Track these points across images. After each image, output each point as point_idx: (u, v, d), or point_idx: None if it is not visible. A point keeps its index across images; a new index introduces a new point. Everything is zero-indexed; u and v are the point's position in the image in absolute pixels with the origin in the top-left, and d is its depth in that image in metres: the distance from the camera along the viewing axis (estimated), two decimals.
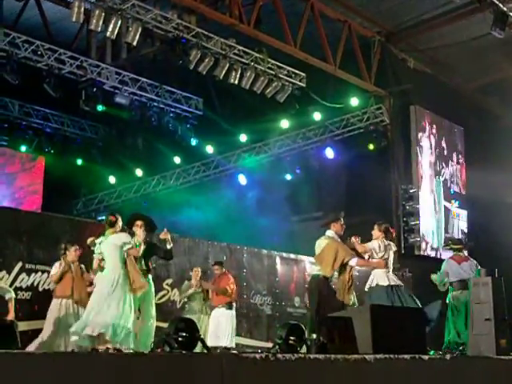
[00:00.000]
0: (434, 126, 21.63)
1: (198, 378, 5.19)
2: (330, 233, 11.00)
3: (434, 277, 12.36)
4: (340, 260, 10.57)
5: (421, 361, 6.68)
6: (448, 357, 7.36)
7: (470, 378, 7.23)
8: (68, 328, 10.44)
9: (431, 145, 21.48)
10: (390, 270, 11.05)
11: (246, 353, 5.87)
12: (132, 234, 10.56)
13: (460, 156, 22.61)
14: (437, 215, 21.18)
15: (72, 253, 11.33)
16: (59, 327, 11.03)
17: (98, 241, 10.32)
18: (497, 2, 16.57)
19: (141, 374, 4.98)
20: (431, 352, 8.72)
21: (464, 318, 11.15)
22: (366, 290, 11.06)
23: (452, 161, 22.26)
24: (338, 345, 6.53)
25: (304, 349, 7.01)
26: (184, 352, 5.92)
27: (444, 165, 21.91)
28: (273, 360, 5.52)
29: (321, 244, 10.86)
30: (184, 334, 6.37)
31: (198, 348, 6.85)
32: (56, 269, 11.35)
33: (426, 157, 21.13)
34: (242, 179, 23.28)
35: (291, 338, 7.08)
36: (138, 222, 10.93)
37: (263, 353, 5.70)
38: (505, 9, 16.63)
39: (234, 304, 13.97)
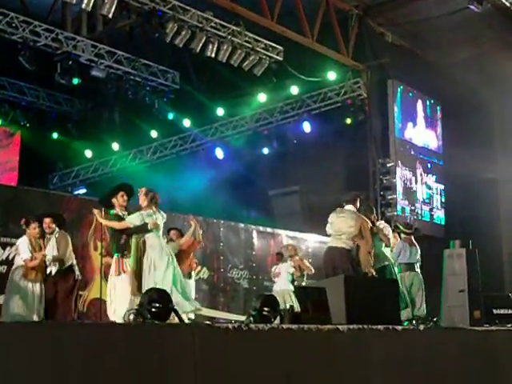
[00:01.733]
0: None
1: (170, 347, 5.16)
2: (353, 208, 11.09)
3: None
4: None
5: (394, 331, 6.70)
6: (422, 327, 7.40)
7: (444, 349, 7.25)
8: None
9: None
10: None
11: (219, 323, 5.86)
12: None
13: (438, 130, 22.67)
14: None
15: (32, 230, 11.00)
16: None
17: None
18: None
19: (114, 344, 4.95)
20: (405, 323, 8.77)
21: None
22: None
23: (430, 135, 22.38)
24: (311, 315, 6.53)
25: (278, 320, 7.03)
26: (156, 322, 5.91)
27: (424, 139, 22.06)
28: (245, 330, 5.51)
29: (351, 218, 10.85)
30: (157, 305, 6.35)
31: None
32: (26, 250, 10.95)
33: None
34: (219, 153, 23.22)
35: (265, 309, 7.08)
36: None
37: (236, 323, 5.70)
38: None
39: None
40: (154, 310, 6.32)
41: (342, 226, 10.76)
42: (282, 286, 14.85)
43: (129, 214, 10.35)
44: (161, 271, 9.77)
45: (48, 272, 10.89)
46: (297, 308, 6.91)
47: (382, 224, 11.97)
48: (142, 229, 10.08)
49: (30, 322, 8.61)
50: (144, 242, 10.07)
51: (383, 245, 11.47)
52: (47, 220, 11.03)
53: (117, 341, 4.99)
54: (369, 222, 10.99)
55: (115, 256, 10.25)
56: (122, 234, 10.23)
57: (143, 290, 9.19)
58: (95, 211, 10.64)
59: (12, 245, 11.95)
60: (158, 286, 9.03)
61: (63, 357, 4.63)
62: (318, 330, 5.98)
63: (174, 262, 9.99)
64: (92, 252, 13.60)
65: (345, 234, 10.73)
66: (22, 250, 10.82)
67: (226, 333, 5.41)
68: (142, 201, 10.40)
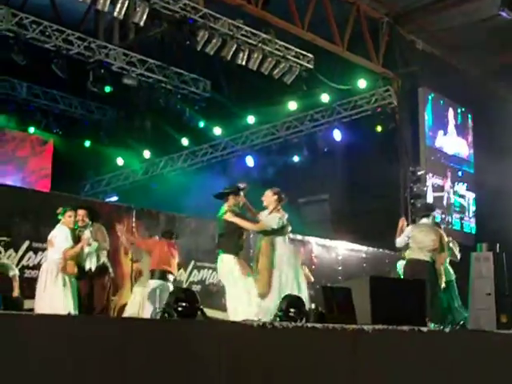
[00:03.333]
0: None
1: (195, 344, 5.22)
2: (429, 222, 11.74)
3: None
4: None
5: (419, 333, 6.70)
6: (447, 330, 7.39)
7: (469, 352, 7.24)
8: None
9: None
10: None
11: (244, 321, 5.92)
12: None
13: (469, 139, 22.61)
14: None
15: (67, 218, 10.69)
16: None
17: None
18: None
19: (141, 340, 5.02)
20: (431, 325, 8.76)
21: None
22: None
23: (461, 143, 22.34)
24: (336, 315, 6.57)
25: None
26: (182, 319, 5.98)
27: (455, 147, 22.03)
28: (270, 328, 5.56)
29: (432, 232, 11.37)
30: (184, 304, 6.43)
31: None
32: (66, 239, 10.58)
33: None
34: (250, 161, 23.30)
35: (291, 310, 7.15)
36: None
37: (260, 321, 5.76)
38: None
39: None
40: (180, 309, 6.40)
41: (424, 239, 11.19)
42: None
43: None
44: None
45: (87, 268, 10.80)
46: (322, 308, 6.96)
47: (451, 239, 12.29)
48: (275, 231, 9.96)
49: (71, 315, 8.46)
50: (272, 244, 9.91)
51: (448, 260, 11.83)
52: (81, 212, 10.91)
53: (144, 336, 5.06)
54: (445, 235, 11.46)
55: (232, 256, 9.83)
56: (236, 234, 9.94)
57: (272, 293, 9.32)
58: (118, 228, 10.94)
59: (44, 250, 12.01)
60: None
61: (102, 350, 4.72)
62: (342, 330, 6.01)
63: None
64: (122, 257, 13.67)
65: (427, 247, 11.11)
66: (61, 239, 10.50)
67: (251, 330, 5.47)
68: (270, 202, 10.31)
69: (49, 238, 10.70)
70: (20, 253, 12.01)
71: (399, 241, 11.67)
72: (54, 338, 4.55)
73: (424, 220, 11.70)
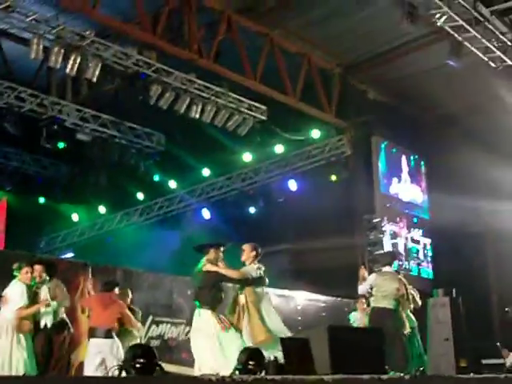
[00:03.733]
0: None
1: None
2: (391, 269, 12.14)
3: None
4: None
5: (379, 381, 6.67)
6: (407, 377, 7.36)
7: None
8: None
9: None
10: None
11: (203, 375, 5.85)
12: None
13: (423, 185, 22.84)
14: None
15: (23, 275, 10.31)
16: None
17: None
18: (452, 32, 16.76)
19: None
20: (391, 372, 8.73)
21: None
22: None
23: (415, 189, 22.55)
24: (295, 366, 6.52)
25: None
26: (140, 376, 5.89)
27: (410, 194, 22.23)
28: (229, 381, 5.50)
29: (395, 279, 11.73)
30: (141, 361, 6.32)
31: None
32: (21, 297, 10.18)
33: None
34: (206, 213, 23.28)
35: (250, 362, 7.08)
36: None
37: (219, 375, 5.69)
38: (460, 38, 16.81)
39: None
40: (138, 365, 6.30)
41: (388, 287, 11.47)
42: None
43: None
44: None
45: (43, 324, 10.39)
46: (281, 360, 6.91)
47: (411, 287, 12.33)
48: (255, 281, 10.01)
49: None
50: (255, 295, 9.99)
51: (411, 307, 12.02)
52: (38, 268, 10.48)
53: None
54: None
55: (210, 311, 9.67)
56: (216, 287, 9.89)
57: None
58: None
59: None
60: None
61: None
62: (302, 381, 5.96)
63: None
64: (79, 315, 13.46)
65: (391, 294, 11.38)
66: (16, 296, 10.06)
67: None
68: (249, 257, 10.44)
69: (3, 294, 10.25)
70: None
71: (361, 288, 11.95)
72: None
73: (387, 268, 11.95)
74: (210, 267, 9.96)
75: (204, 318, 9.71)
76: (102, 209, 24.31)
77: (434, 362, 8.77)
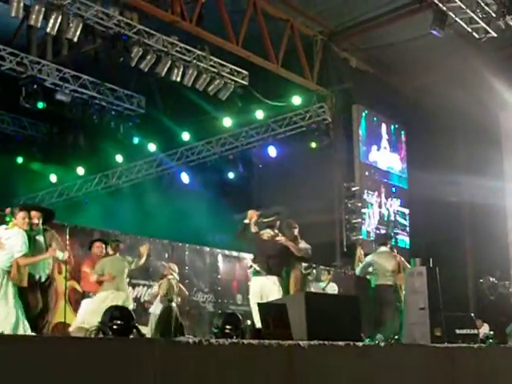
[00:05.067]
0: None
1: (130, 362, 5.15)
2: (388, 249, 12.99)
3: None
4: None
5: (355, 347, 6.73)
6: (382, 344, 7.44)
7: (404, 366, 7.30)
8: None
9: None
10: None
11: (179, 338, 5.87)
12: None
13: (403, 154, 22.90)
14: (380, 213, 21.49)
15: (20, 220, 9.35)
16: None
17: None
18: (436, 2, 16.72)
19: (75, 359, 4.93)
20: (366, 339, 8.81)
21: None
22: None
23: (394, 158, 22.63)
24: (272, 331, 6.55)
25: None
26: (116, 337, 5.90)
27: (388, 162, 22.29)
28: (206, 345, 5.52)
29: (392, 258, 12.66)
30: (119, 322, 6.34)
31: None
32: (21, 244, 9.27)
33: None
34: (185, 178, 23.25)
35: (227, 326, 7.12)
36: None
37: (196, 338, 5.71)
38: (444, 8, 16.79)
39: None
40: (115, 327, 6.31)
41: (385, 264, 12.40)
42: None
43: None
44: None
45: (37, 278, 9.68)
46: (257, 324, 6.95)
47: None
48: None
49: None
50: None
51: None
52: (36, 214, 9.69)
53: (77, 355, 4.97)
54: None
55: (276, 278, 10.47)
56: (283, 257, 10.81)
57: None
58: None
59: None
60: None
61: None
62: (278, 346, 5.99)
63: None
64: (56, 275, 13.44)
65: (388, 271, 12.32)
66: (16, 241, 9.17)
67: (186, 347, 5.42)
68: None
69: None
70: None
71: (361, 270, 12.87)
72: None
73: (382, 248, 12.88)
74: (281, 239, 10.64)
75: (270, 283, 10.36)
76: (80, 170, 24.19)
77: (408, 330, 8.85)
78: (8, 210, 9.64)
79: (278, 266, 10.56)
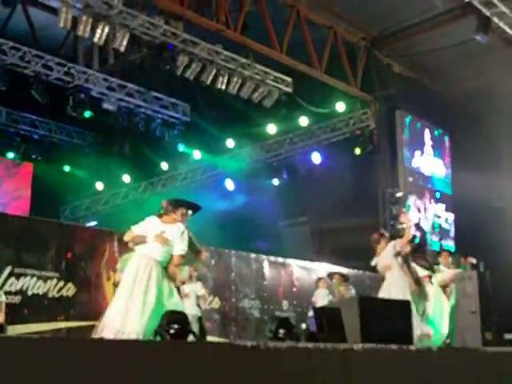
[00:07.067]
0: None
1: (190, 365, 5.25)
2: None
3: None
4: None
5: (407, 351, 6.77)
6: (434, 348, 7.46)
7: (456, 370, 7.32)
8: None
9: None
10: None
11: (238, 341, 5.95)
12: None
13: (447, 159, 22.84)
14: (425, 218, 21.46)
15: (180, 216, 8.67)
16: None
17: None
18: (480, 7, 16.72)
19: (134, 361, 5.04)
20: (419, 344, 8.86)
21: None
22: None
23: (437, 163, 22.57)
24: (326, 334, 6.64)
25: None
26: (176, 340, 6.02)
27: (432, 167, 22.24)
28: (263, 348, 5.60)
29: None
30: (176, 327, 6.48)
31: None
32: (184, 242, 8.57)
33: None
34: (230, 184, 23.39)
35: (280, 331, 7.23)
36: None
37: (254, 342, 5.79)
38: (488, 13, 16.78)
39: None
40: (172, 331, 6.45)
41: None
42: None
43: None
44: None
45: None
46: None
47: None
48: None
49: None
50: None
51: None
52: (190, 212, 9.00)
53: (137, 358, 5.07)
54: None
55: None
56: None
57: None
58: None
59: (26, 275, 11.93)
60: None
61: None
62: (333, 349, 6.06)
63: None
64: (105, 282, 13.63)
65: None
66: (177, 238, 8.49)
67: (244, 350, 5.50)
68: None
69: (157, 232, 8.58)
70: (2, 278, 11.92)
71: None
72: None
73: None
74: None
75: None
76: (126, 178, 24.46)
77: (460, 334, 8.89)
78: (165, 203, 8.92)
79: None
